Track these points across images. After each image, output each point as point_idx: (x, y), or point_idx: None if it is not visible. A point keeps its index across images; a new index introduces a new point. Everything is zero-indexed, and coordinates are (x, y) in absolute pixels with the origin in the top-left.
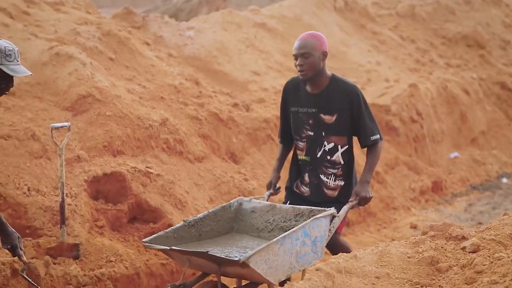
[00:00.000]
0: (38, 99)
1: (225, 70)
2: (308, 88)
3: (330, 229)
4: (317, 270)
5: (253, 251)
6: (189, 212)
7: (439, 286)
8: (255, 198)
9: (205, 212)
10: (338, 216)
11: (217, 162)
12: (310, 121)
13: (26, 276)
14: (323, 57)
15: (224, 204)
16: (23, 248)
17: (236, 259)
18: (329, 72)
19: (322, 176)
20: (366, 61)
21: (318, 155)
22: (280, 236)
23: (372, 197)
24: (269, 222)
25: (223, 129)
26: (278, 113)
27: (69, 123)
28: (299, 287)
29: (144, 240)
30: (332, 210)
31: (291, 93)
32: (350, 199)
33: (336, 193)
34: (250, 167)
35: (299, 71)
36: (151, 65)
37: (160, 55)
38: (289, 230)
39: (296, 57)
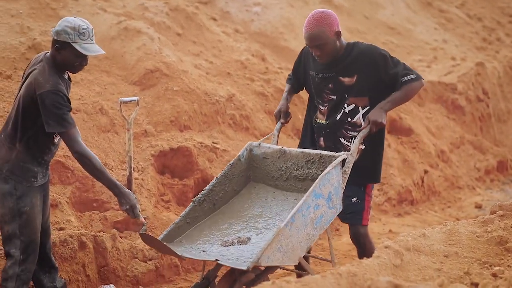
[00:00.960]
0: (106, 73)
1: (291, 46)
2: None
3: (345, 171)
4: (386, 247)
5: (260, 252)
6: None
7: (508, 266)
8: (265, 141)
9: (213, 180)
10: (351, 154)
11: (282, 138)
12: (330, 85)
13: (149, 234)
14: (338, 37)
15: (232, 161)
16: (140, 209)
17: (245, 268)
18: (344, 41)
19: (342, 139)
20: (432, 39)
21: (337, 118)
22: (288, 217)
23: (384, 124)
24: (283, 170)
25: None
26: None
27: (138, 98)
28: (368, 264)
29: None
30: (342, 155)
31: (309, 58)
32: (363, 126)
33: (356, 157)
34: None
35: (317, 59)
36: (218, 40)
37: (226, 30)
38: (303, 179)
39: (310, 47)
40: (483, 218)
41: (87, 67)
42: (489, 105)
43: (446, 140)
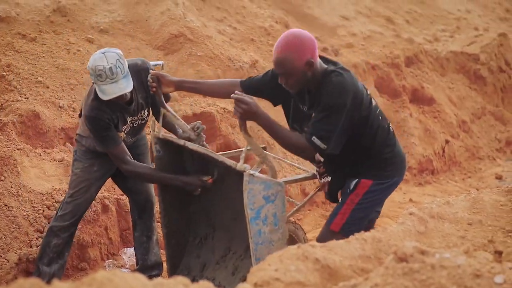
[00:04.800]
0: (130, 37)
1: (314, 14)
2: None
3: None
4: (410, 214)
5: None
6: (278, 154)
7: None
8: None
9: (161, 207)
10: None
11: None
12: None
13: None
14: (309, 67)
15: (154, 160)
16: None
17: None
18: (323, 68)
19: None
20: (455, 8)
21: None
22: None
23: (249, 109)
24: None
25: None
26: (367, 58)
27: (163, 62)
28: (393, 230)
29: None
30: (247, 174)
31: None
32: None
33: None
34: None
35: (284, 87)
36: (242, 6)
37: None
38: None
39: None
40: (507, 187)
41: (112, 31)
42: (511, 76)
43: (468, 111)
